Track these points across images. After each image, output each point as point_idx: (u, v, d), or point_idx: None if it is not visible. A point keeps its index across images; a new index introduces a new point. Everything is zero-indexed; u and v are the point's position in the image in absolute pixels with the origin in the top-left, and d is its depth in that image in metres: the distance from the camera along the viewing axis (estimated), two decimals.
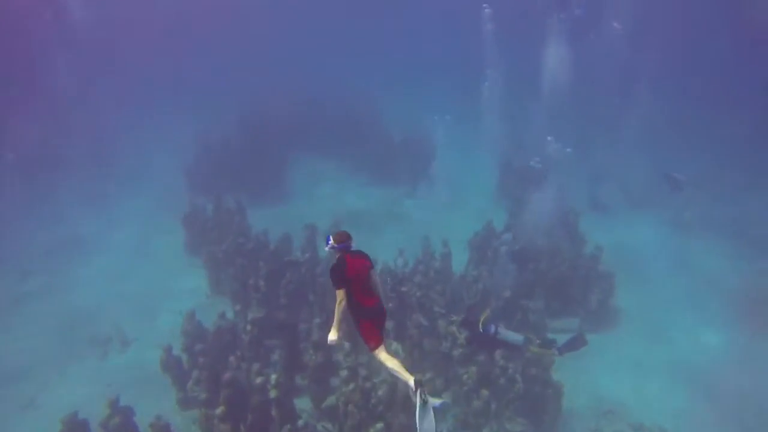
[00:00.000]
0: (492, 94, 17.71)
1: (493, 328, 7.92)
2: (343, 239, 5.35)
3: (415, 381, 5.05)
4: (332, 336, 5.19)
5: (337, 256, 5.35)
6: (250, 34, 42.16)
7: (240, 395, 7.32)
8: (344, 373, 7.57)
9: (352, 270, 5.23)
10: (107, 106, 23.59)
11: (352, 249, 5.37)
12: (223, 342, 9.30)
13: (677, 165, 16.53)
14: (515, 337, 8.05)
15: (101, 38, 26.63)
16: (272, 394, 7.19)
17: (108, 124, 22.72)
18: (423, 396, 5.01)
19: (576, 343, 8.42)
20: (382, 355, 5.30)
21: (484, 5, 17.28)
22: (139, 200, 17.90)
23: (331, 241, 5.33)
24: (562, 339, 8.56)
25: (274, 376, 7.31)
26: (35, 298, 13.04)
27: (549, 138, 15.04)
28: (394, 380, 7.26)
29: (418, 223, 15.72)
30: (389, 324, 8.61)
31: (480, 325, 7.92)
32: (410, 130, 20.68)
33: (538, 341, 8.46)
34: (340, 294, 5.16)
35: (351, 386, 7.25)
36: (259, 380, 7.35)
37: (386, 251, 11.50)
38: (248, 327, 9.35)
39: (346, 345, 7.93)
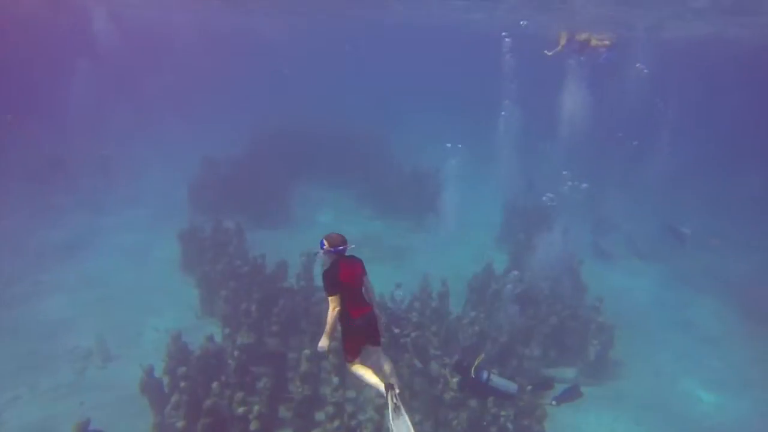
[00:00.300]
0: (507, 127, 17.73)
1: (485, 375, 7.62)
2: (337, 243, 5.13)
3: (385, 385, 4.99)
4: (323, 344, 5.01)
5: (330, 261, 5.13)
6: (265, 60, 43.34)
7: (220, 425, 7.00)
8: (330, 409, 7.27)
9: (344, 275, 5.05)
10: (120, 114, 23.94)
11: (346, 254, 5.17)
12: (208, 366, 9.00)
13: (682, 216, 16.50)
14: (508, 385, 7.74)
15: (120, 49, 27.17)
16: (253, 426, 6.88)
17: (118, 132, 22.92)
18: (394, 400, 4.95)
19: (572, 394, 8.14)
20: (356, 367, 5.19)
21: (504, 33, 17.38)
22: (139, 211, 17.84)
23: (325, 245, 5.10)
24: (558, 389, 8.27)
25: (256, 407, 7.01)
26: (16, 303, 12.65)
27: (564, 172, 14.97)
28: (379, 417, 6.94)
29: (418, 258, 15.53)
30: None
31: (472, 370, 7.63)
32: (419, 161, 20.69)
33: (531, 387, 8.19)
34: (334, 301, 4.98)
35: (336, 423, 6.95)
36: (241, 410, 7.05)
37: (384, 284, 11.28)
38: (236, 353, 9.06)
39: (335, 379, 7.65)
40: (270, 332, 10.04)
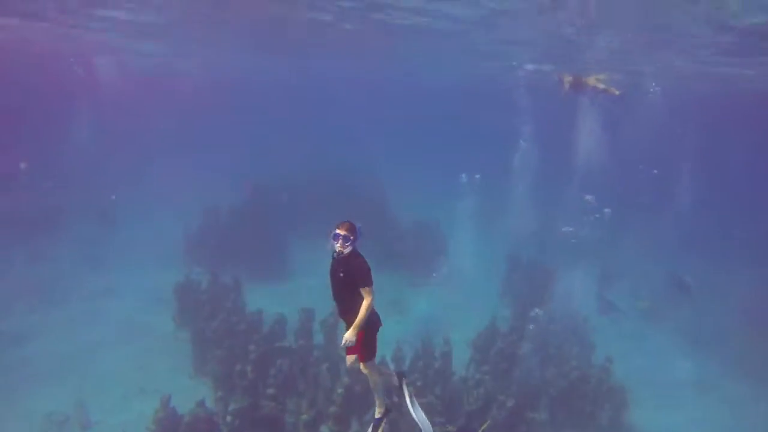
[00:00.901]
0: (524, 159, 17.62)
1: None
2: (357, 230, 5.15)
3: (397, 375, 5.51)
4: (352, 337, 4.98)
5: (351, 252, 5.07)
6: (266, 112, 44.38)
7: None
8: None
9: None
10: (121, 160, 24.08)
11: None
12: None
13: (688, 267, 16.16)
14: None
15: (122, 97, 27.75)
16: None
17: (118, 178, 22.93)
18: (410, 387, 5.45)
19: None
20: (372, 363, 5.39)
21: (514, 62, 17.54)
22: (134, 259, 17.44)
23: (348, 236, 5.01)
24: None
25: None
26: None
27: (588, 197, 14.68)
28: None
29: (420, 315, 15.11)
30: None
31: None
32: (422, 211, 20.45)
33: None
34: (372, 293, 5.08)
35: None
36: None
37: (385, 344, 10.84)
38: (228, 418, 8.56)
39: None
40: (265, 395, 9.54)
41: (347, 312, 5.21)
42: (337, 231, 5.07)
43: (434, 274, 16.77)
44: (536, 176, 18.27)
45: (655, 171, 19.37)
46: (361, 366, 5.40)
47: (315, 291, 16.05)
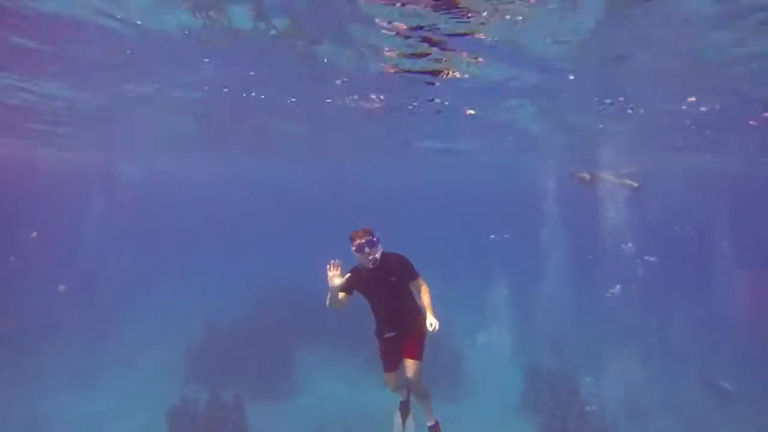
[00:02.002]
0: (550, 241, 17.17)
1: None
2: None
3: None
4: (435, 320, 4.79)
5: (382, 253, 4.92)
6: (267, 220, 44.69)
7: None
8: None
9: None
10: (118, 274, 23.29)
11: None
12: None
13: (724, 371, 15.00)
14: None
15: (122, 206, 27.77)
16: None
17: (113, 293, 21.97)
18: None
19: None
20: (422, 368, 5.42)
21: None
22: (126, 378, 15.97)
23: (372, 240, 4.83)
24: None
25: None
26: None
27: (649, 258, 13.96)
28: None
29: None
30: None
31: None
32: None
33: None
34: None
35: None
36: None
37: None
38: None
39: None
40: None
41: (403, 318, 5.04)
42: (360, 242, 4.76)
43: (449, 388, 15.51)
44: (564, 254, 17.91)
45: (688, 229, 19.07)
46: (414, 369, 5.17)
47: (320, 409, 14.75)
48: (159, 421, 12.64)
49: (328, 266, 4.69)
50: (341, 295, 4.92)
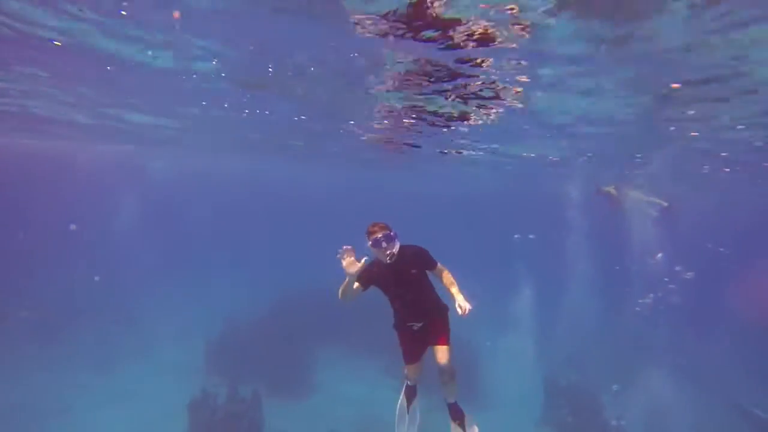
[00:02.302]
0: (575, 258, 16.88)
1: None
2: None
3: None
4: (466, 305, 4.72)
5: (400, 246, 4.86)
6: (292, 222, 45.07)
7: None
8: None
9: None
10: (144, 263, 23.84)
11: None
12: None
13: (759, 397, 14.39)
14: None
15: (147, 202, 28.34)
16: None
17: (139, 281, 22.50)
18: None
19: None
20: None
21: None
22: (147, 369, 16.32)
23: (389, 233, 4.75)
24: None
25: None
26: None
27: (689, 274, 13.57)
28: None
29: None
30: None
31: None
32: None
33: None
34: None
35: None
36: None
37: None
38: None
39: None
40: None
41: (428, 309, 5.01)
42: (377, 237, 4.67)
43: (470, 397, 15.26)
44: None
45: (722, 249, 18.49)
46: (447, 355, 5.16)
47: (337, 410, 14.76)
48: (178, 411, 12.90)
49: (339, 254, 4.43)
50: (356, 286, 4.73)
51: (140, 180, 33.66)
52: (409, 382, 5.74)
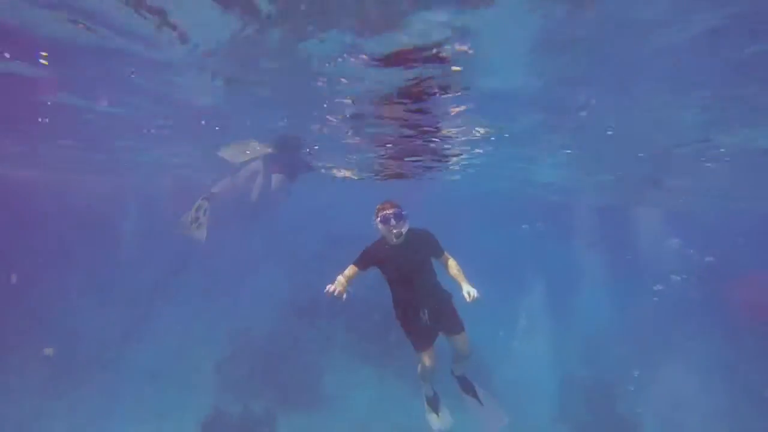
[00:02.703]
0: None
1: None
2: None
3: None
4: (474, 291, 4.40)
5: (409, 228, 4.66)
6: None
7: None
8: None
9: None
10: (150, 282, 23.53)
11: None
12: None
13: None
14: None
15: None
16: None
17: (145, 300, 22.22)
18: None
19: None
20: None
21: None
22: (156, 388, 16.03)
23: (400, 212, 4.56)
24: None
25: None
26: None
27: (692, 250, 13.23)
28: None
29: None
30: None
31: None
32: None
33: None
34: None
35: None
36: None
37: None
38: None
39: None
40: None
41: (436, 295, 4.79)
42: (386, 213, 4.48)
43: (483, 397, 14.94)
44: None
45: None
46: (464, 341, 5.05)
47: (351, 425, 14.44)
48: (188, 428, 12.66)
49: (327, 293, 4.46)
50: (353, 270, 4.64)
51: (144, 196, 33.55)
52: (427, 393, 5.55)
